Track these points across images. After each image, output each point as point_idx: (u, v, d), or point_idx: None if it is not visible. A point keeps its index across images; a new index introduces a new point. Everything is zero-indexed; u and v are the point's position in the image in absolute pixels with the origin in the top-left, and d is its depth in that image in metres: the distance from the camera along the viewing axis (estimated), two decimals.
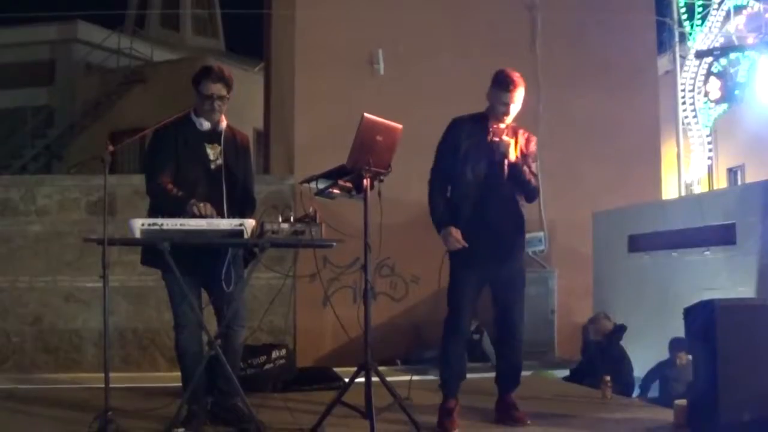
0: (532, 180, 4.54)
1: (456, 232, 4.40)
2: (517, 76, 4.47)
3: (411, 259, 9.25)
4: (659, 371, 7.02)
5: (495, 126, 4.51)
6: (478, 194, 4.47)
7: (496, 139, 4.47)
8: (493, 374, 4.77)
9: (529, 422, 4.49)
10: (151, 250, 4.08)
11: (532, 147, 4.61)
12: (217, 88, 4.36)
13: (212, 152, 4.41)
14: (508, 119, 4.53)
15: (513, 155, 4.45)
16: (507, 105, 4.47)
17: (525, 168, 4.51)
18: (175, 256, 3.97)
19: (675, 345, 6.84)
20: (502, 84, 4.46)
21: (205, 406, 4.41)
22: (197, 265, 4.23)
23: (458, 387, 4.57)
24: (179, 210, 4.12)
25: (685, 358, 6.84)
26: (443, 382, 4.57)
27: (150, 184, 4.36)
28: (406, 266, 9.42)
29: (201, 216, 4.05)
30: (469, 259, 4.43)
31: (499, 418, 4.61)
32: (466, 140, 4.51)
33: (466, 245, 4.39)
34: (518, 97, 4.48)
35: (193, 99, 4.45)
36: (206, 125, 4.43)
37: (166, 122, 4.33)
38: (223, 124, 4.49)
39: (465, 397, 4.72)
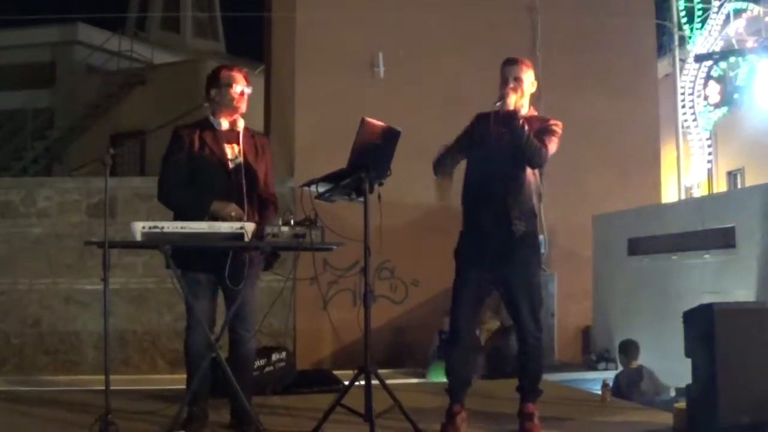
0: (532, 139, 4.29)
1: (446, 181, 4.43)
2: (518, 58, 4.47)
3: (411, 261, 9.27)
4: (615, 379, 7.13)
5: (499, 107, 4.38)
6: (479, 192, 4.42)
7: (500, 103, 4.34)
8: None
9: None
10: (177, 253, 4.08)
11: (546, 124, 4.43)
12: (241, 79, 4.43)
13: (231, 152, 4.44)
14: (513, 97, 4.35)
15: (511, 105, 4.30)
16: (506, 78, 4.41)
17: (521, 122, 4.27)
18: (191, 256, 4.09)
19: (624, 350, 7.27)
20: (503, 64, 4.47)
21: (206, 409, 4.41)
22: (213, 265, 4.24)
23: (463, 393, 4.49)
24: (200, 212, 4.13)
25: (635, 363, 7.12)
26: (449, 387, 4.54)
27: (160, 193, 4.39)
28: (406, 269, 9.43)
29: (237, 220, 4.08)
30: (468, 260, 4.41)
31: (519, 427, 4.40)
32: (477, 133, 4.47)
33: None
34: (519, 71, 4.42)
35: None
36: (225, 125, 4.47)
37: (181, 126, 4.36)
38: (241, 123, 4.52)
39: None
